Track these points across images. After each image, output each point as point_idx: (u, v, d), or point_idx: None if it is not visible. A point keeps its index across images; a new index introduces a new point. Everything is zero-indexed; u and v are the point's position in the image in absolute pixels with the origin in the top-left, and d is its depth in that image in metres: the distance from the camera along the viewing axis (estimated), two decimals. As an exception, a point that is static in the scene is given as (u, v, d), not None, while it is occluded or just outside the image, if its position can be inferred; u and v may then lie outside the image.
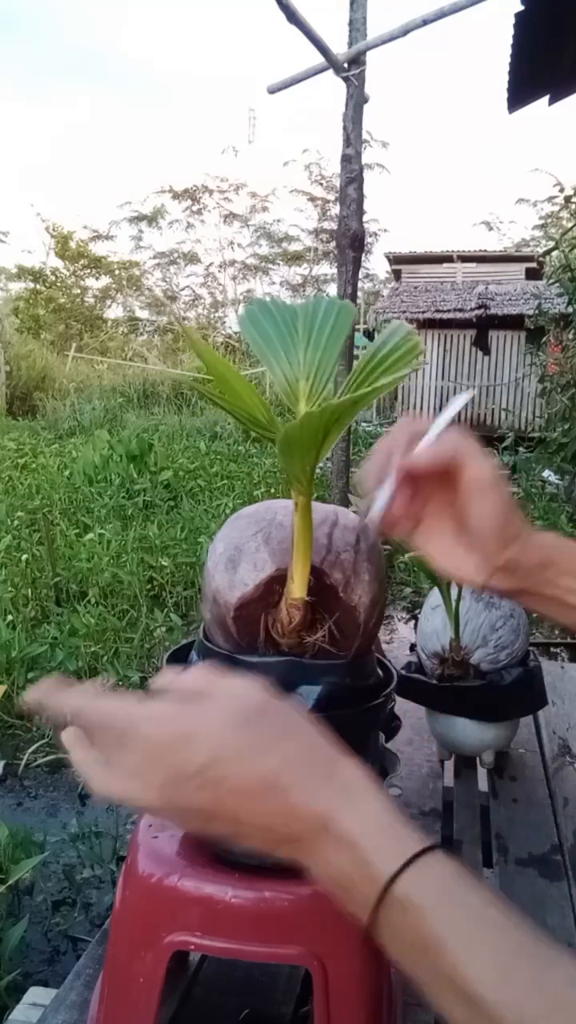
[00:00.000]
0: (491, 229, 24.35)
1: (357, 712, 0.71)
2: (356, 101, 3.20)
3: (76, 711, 0.49)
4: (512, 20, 2.47)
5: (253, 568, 0.68)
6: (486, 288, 13.12)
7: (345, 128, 3.21)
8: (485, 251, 16.79)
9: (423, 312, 12.80)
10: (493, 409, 12.27)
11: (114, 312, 24.93)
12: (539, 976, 0.38)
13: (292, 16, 2.81)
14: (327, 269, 23.31)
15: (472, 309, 12.44)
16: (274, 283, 25.12)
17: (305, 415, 0.51)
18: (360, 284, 3.73)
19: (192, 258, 24.88)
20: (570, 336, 6.81)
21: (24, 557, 4.34)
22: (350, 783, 0.45)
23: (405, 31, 3.04)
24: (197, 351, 0.58)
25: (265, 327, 0.60)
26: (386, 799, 0.45)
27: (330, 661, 0.67)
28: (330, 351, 0.58)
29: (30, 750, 2.70)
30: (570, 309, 6.07)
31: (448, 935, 0.40)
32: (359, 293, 4.79)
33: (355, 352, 3.66)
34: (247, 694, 0.49)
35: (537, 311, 7.19)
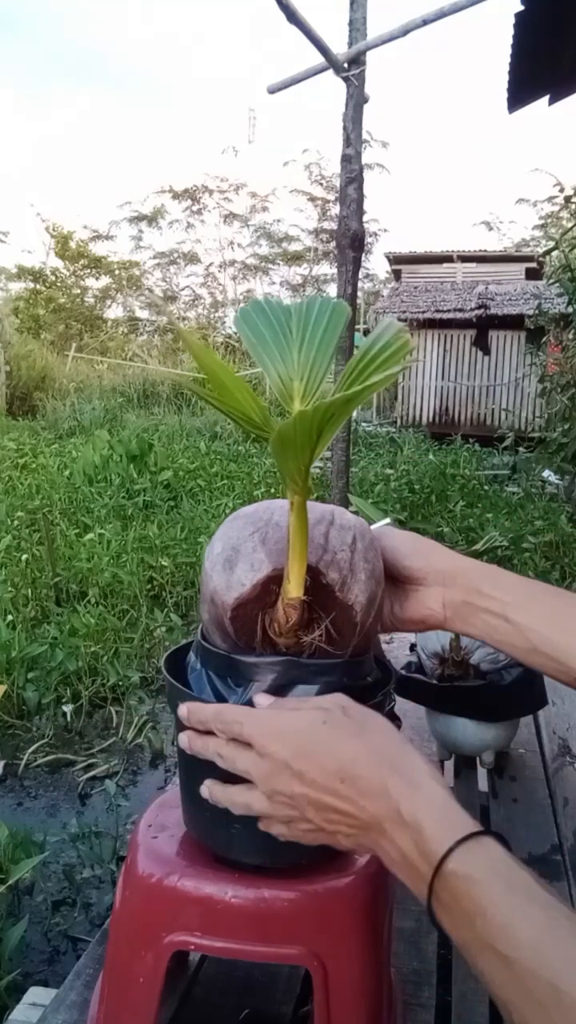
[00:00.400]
0: (491, 229, 24.37)
1: None
2: (356, 101, 3.20)
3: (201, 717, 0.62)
4: (512, 20, 2.47)
5: (250, 568, 0.68)
6: (486, 288, 13.11)
7: (345, 128, 3.21)
8: (485, 251, 16.78)
9: (423, 312, 12.81)
10: (493, 409, 12.27)
11: (114, 312, 24.96)
12: (572, 942, 0.43)
13: (292, 16, 2.81)
14: (327, 269, 23.33)
15: (472, 309, 12.44)
16: (274, 283, 25.14)
17: (298, 414, 0.50)
18: (360, 284, 3.73)
19: (192, 258, 24.89)
20: (570, 336, 6.81)
21: (24, 557, 4.35)
22: (415, 774, 0.52)
23: (405, 31, 3.04)
24: (191, 351, 0.58)
25: (259, 327, 0.60)
26: (444, 788, 0.52)
27: (327, 660, 0.67)
28: (324, 350, 0.58)
29: (30, 750, 2.70)
30: (570, 309, 6.08)
31: (492, 905, 0.45)
32: (359, 293, 4.80)
33: (355, 351, 3.66)
34: (329, 701, 0.58)
35: (537, 311, 7.20)
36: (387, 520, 0.89)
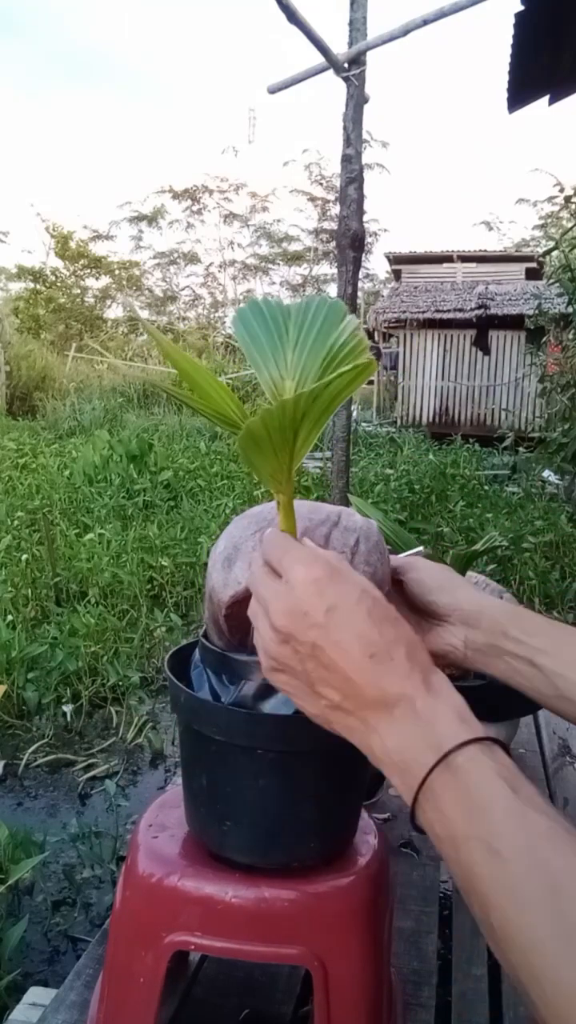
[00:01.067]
0: (491, 229, 24.38)
1: None
2: (356, 101, 3.20)
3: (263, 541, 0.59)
4: (512, 20, 2.47)
5: (247, 567, 0.68)
6: (486, 288, 13.11)
7: (345, 128, 3.21)
8: (485, 251, 16.80)
9: (423, 312, 12.80)
10: (493, 409, 12.27)
11: (114, 312, 24.95)
12: (572, 850, 0.42)
13: (292, 16, 2.81)
14: (327, 269, 23.33)
15: (472, 309, 12.44)
16: (274, 283, 25.14)
17: (264, 411, 0.49)
18: (360, 284, 3.73)
19: (192, 258, 24.89)
20: (570, 336, 6.81)
21: (24, 557, 4.34)
22: (439, 683, 0.52)
23: (405, 31, 3.04)
24: (161, 348, 0.57)
25: (255, 327, 0.59)
26: (464, 702, 0.51)
27: None
28: (316, 351, 0.57)
29: (30, 750, 2.70)
30: (570, 309, 6.07)
31: (496, 803, 0.45)
32: (359, 293, 4.80)
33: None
34: (377, 591, 0.56)
35: (537, 311, 7.19)
36: (419, 549, 0.87)
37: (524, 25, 2.48)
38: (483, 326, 12.42)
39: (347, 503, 3.12)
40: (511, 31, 2.53)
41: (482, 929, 0.44)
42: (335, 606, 0.52)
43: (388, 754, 0.50)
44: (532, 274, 14.74)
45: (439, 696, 0.51)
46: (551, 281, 6.53)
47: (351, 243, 3.24)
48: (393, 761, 0.50)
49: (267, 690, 0.67)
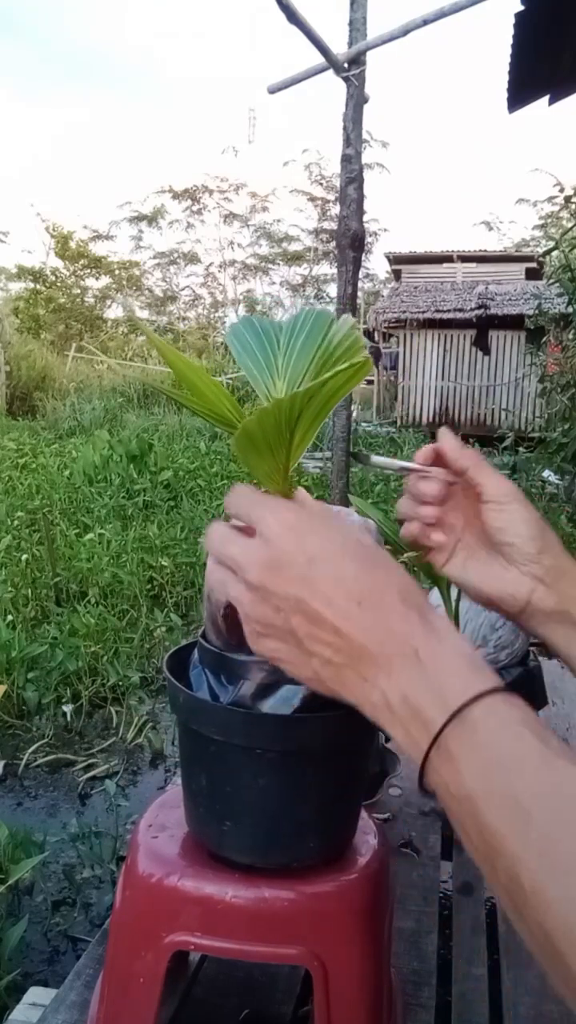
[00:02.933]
0: (491, 229, 24.40)
1: (349, 714, 0.70)
2: (356, 101, 3.20)
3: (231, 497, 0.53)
4: (512, 20, 2.47)
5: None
6: (486, 288, 13.12)
7: (345, 128, 3.21)
8: (485, 251, 16.81)
9: (423, 312, 12.81)
10: (493, 409, 12.27)
11: (114, 312, 24.97)
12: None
13: (292, 16, 2.81)
14: (327, 269, 23.33)
15: (472, 309, 12.44)
16: (274, 283, 25.15)
17: (259, 410, 0.49)
18: (360, 284, 3.73)
19: (192, 258, 24.90)
20: (570, 336, 6.81)
21: (24, 557, 4.34)
22: (441, 624, 0.47)
23: (405, 31, 3.04)
24: (155, 346, 0.57)
25: (248, 340, 0.60)
26: (471, 646, 0.47)
27: None
28: (305, 354, 0.58)
29: (30, 750, 2.70)
30: (570, 309, 6.08)
31: (518, 759, 0.40)
32: (359, 293, 4.80)
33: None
34: (365, 536, 0.51)
35: (537, 311, 7.20)
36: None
37: (524, 25, 2.49)
38: (483, 326, 12.42)
39: (347, 503, 3.12)
40: (511, 31, 2.53)
41: (503, 896, 0.40)
42: (316, 556, 0.47)
43: (392, 711, 0.45)
44: (532, 274, 14.74)
45: (444, 641, 0.46)
46: (551, 281, 6.54)
47: (351, 243, 3.24)
48: (398, 718, 0.45)
49: (266, 690, 0.67)
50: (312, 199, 23.20)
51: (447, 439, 0.66)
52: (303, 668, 0.49)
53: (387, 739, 1.49)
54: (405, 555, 0.81)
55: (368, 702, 0.47)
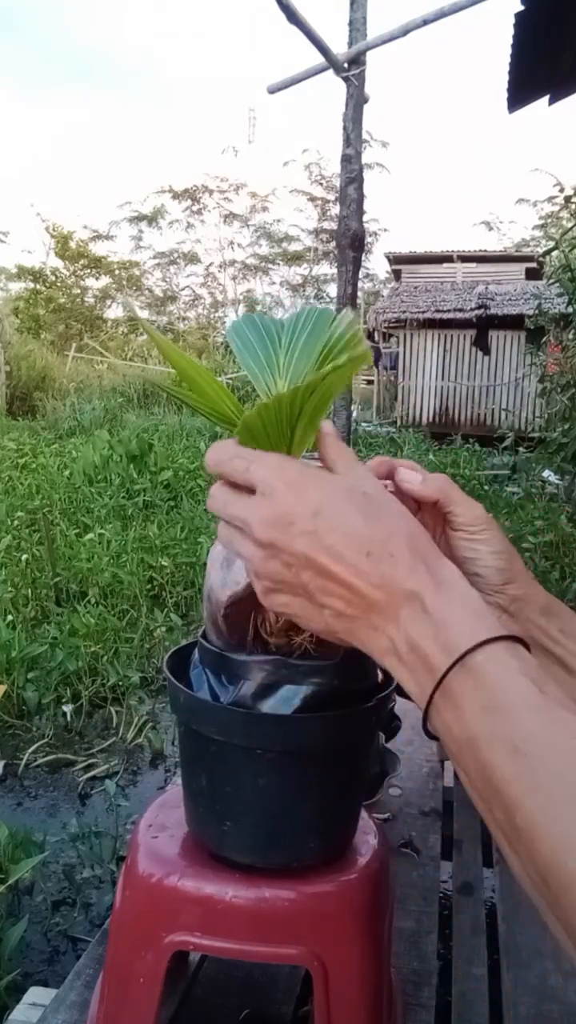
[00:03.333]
0: (491, 229, 24.40)
1: (347, 715, 0.70)
2: (356, 101, 3.20)
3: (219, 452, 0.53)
4: (512, 20, 2.47)
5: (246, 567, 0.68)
6: (486, 288, 13.11)
7: (345, 128, 3.21)
8: (485, 251, 16.80)
9: (423, 312, 12.81)
10: (493, 409, 12.27)
11: (114, 312, 24.97)
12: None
13: (292, 16, 2.82)
14: (327, 269, 23.33)
15: (472, 309, 12.44)
16: (274, 283, 25.15)
17: (260, 405, 0.49)
18: (360, 284, 3.73)
19: (192, 258, 24.89)
20: (570, 336, 6.81)
21: (24, 557, 4.34)
22: (448, 574, 0.48)
23: (405, 31, 3.04)
24: (156, 344, 0.57)
25: (249, 337, 0.60)
26: (478, 595, 0.48)
27: (318, 662, 0.67)
28: (307, 352, 0.58)
29: (30, 750, 2.70)
30: (570, 309, 6.07)
31: (523, 701, 0.42)
32: (359, 293, 4.80)
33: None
34: (369, 480, 0.52)
35: (537, 311, 7.19)
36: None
37: (524, 25, 2.48)
38: (483, 326, 12.42)
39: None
40: (511, 31, 2.53)
41: (499, 836, 0.42)
42: (321, 509, 0.48)
43: (399, 657, 0.47)
44: (532, 274, 14.74)
45: (450, 590, 0.47)
46: (551, 281, 6.53)
47: (351, 243, 3.24)
48: (405, 664, 0.47)
49: (266, 690, 0.67)
50: (312, 199, 23.20)
51: (407, 475, 0.63)
52: (315, 621, 0.51)
53: (387, 739, 1.49)
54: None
55: (378, 648, 0.48)
